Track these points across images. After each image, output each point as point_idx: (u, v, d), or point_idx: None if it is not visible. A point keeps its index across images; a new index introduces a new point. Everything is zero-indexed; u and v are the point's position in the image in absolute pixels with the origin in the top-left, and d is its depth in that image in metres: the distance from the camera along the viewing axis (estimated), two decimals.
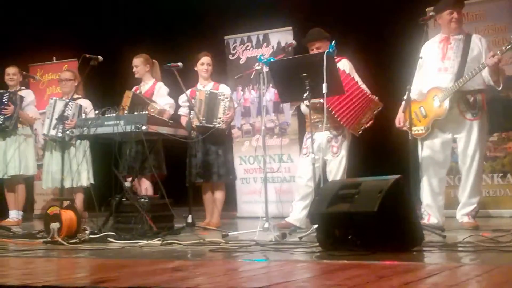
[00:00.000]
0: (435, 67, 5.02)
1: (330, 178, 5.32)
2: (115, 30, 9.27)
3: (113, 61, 6.21)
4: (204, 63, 6.21)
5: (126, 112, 5.51)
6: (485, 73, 4.88)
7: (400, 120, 5.14)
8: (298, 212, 5.38)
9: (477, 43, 5.01)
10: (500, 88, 4.97)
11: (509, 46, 4.70)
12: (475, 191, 5.06)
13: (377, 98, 5.29)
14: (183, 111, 6.14)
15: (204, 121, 5.86)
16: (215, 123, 5.86)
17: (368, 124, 5.28)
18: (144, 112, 5.25)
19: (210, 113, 5.90)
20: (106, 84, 8.01)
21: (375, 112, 5.27)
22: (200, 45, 6.96)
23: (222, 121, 5.88)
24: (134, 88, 6.36)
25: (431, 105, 5.00)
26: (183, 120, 6.01)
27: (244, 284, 2.50)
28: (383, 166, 6.33)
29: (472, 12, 6.35)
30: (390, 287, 2.19)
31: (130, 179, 5.54)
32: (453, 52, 5.02)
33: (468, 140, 4.98)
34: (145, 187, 6.11)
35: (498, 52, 4.75)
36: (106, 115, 5.22)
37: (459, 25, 5.06)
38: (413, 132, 4.89)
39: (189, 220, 5.41)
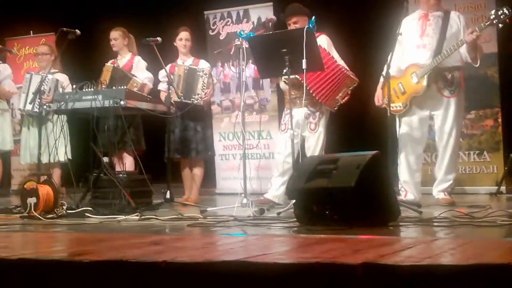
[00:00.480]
0: (414, 43, 5.03)
1: (309, 154, 5.34)
2: (93, 3, 9.14)
3: (90, 35, 6.13)
4: (182, 39, 6.16)
5: (105, 86, 5.46)
6: (463, 50, 4.90)
7: (379, 97, 5.16)
8: (276, 188, 5.40)
9: (456, 20, 5.03)
10: (477, 65, 5.01)
11: (488, 22, 4.73)
12: (451, 168, 5.12)
13: (353, 74, 5.30)
14: (162, 86, 6.10)
15: (182, 97, 5.83)
16: (193, 99, 5.83)
17: (343, 100, 5.30)
18: (122, 87, 5.20)
19: (188, 89, 5.87)
20: (83, 58, 7.92)
21: (351, 88, 5.29)
22: (180, 20, 6.89)
23: (201, 98, 5.85)
24: (111, 61, 6.30)
25: (409, 81, 5.03)
26: (163, 96, 5.97)
27: (221, 257, 2.51)
28: (361, 142, 6.36)
29: None
30: (366, 259, 2.21)
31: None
32: (431, 28, 5.04)
33: (445, 117, 5.01)
34: (128, 162, 6.08)
35: (476, 28, 4.77)
36: (84, 90, 5.17)
37: (438, 1, 5.06)
38: (391, 109, 4.91)
39: (168, 195, 5.40)
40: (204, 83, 5.87)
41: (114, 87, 5.24)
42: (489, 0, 6.14)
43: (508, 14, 4.66)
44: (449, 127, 5.01)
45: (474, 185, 6.23)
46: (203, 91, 5.87)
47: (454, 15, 5.07)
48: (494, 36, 6.11)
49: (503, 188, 5.95)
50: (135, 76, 6.00)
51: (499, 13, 4.67)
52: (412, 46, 5.05)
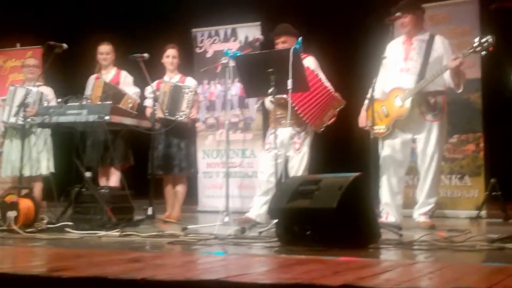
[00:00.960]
0: (398, 67, 5.09)
1: (292, 174, 5.36)
2: (80, 17, 9.16)
3: (76, 49, 6.13)
4: (169, 56, 6.19)
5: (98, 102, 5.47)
6: (447, 75, 4.96)
7: (362, 119, 5.20)
8: (258, 207, 5.41)
9: (440, 44, 5.09)
10: (460, 91, 5.08)
11: (471, 49, 4.79)
12: (433, 191, 5.15)
13: (340, 95, 5.34)
14: (148, 102, 6.11)
15: (167, 114, 5.83)
16: (177, 116, 5.84)
17: (330, 121, 5.33)
18: (107, 102, 5.20)
19: (173, 105, 5.88)
20: (67, 71, 7.91)
21: (337, 109, 5.33)
22: (167, 36, 6.93)
23: (185, 115, 5.86)
24: (94, 76, 6.31)
25: (393, 104, 5.07)
26: (148, 112, 5.98)
27: (200, 276, 2.51)
28: (345, 164, 6.40)
29: (437, 15, 6.44)
30: (345, 281, 2.22)
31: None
32: (415, 53, 5.10)
33: (427, 141, 5.06)
34: (115, 177, 6.06)
35: (460, 55, 4.83)
36: (69, 104, 5.16)
37: (410, 29, 5.10)
38: (374, 131, 4.96)
39: (149, 212, 5.38)
40: (190, 100, 5.88)
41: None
42: (474, 26, 6.21)
43: (491, 42, 4.72)
44: (431, 151, 5.05)
45: (455, 209, 6.27)
46: (188, 109, 5.88)
47: (438, 40, 5.13)
48: (478, 62, 6.18)
49: (483, 212, 5.99)
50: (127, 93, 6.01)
51: (483, 41, 4.73)
52: (396, 69, 5.11)
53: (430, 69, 4.98)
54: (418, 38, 5.13)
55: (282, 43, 5.40)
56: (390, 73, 5.11)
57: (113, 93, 5.84)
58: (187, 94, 5.90)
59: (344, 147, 7.15)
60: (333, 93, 5.32)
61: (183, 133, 6.05)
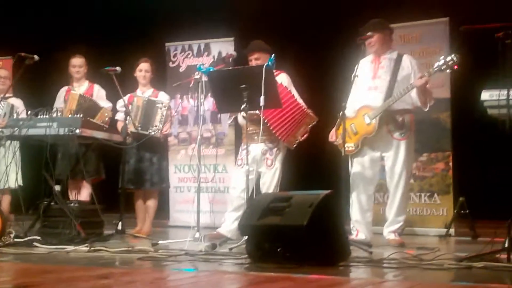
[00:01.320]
0: (366, 85, 5.15)
1: (264, 190, 5.36)
2: (53, 29, 9.09)
3: (47, 61, 6.09)
4: (142, 70, 6.18)
5: (71, 115, 5.42)
6: (414, 94, 5.03)
7: (332, 135, 5.25)
8: (230, 223, 5.39)
9: (408, 63, 5.17)
10: (426, 109, 5.16)
11: (437, 68, 4.87)
12: (402, 209, 5.20)
13: (312, 112, 5.37)
14: (119, 116, 6.08)
15: (140, 128, 5.81)
16: (150, 130, 5.82)
17: (303, 138, 5.36)
18: (78, 115, 5.16)
19: (146, 120, 5.86)
20: (37, 83, 7.84)
21: (310, 126, 5.35)
22: (140, 50, 6.91)
23: (158, 130, 5.85)
24: (65, 88, 6.27)
25: (362, 122, 5.12)
26: (120, 125, 5.95)
27: None
28: (316, 181, 6.42)
29: (409, 34, 6.53)
30: None
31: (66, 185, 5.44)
32: (383, 71, 5.17)
33: (395, 159, 5.11)
34: (86, 191, 6.00)
35: (426, 73, 4.91)
36: (39, 116, 5.11)
37: (378, 48, 5.16)
38: (344, 149, 5.01)
39: (119, 227, 5.34)
40: (163, 115, 5.87)
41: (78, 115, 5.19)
42: (444, 46, 6.31)
43: (455, 61, 4.81)
44: (399, 169, 5.11)
45: (424, 226, 6.32)
46: (161, 123, 5.86)
47: (406, 59, 5.21)
48: (448, 82, 6.28)
49: (452, 230, 6.05)
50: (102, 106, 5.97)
51: (447, 59, 4.82)
52: (364, 87, 5.16)
53: (398, 87, 5.05)
54: (386, 57, 5.21)
55: (255, 59, 5.43)
56: (359, 91, 5.16)
57: (88, 106, 5.80)
58: (161, 109, 5.89)
59: (316, 164, 7.18)
60: (305, 109, 5.35)
61: (155, 148, 6.03)
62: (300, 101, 5.40)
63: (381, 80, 5.14)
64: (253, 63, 5.41)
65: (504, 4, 6.77)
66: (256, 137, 5.22)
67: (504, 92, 3.85)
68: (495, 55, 3.85)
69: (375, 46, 5.18)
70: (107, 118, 5.77)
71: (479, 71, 5.50)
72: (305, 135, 5.37)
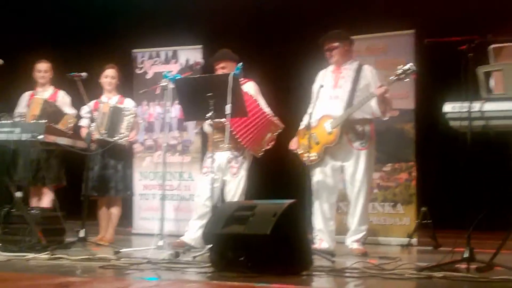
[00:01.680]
0: (327, 94, 5.18)
1: (229, 198, 5.35)
2: (17, 34, 8.97)
3: (11, 66, 6.00)
4: (108, 76, 6.13)
5: (34, 120, 5.34)
6: (374, 103, 5.10)
7: (294, 143, 5.28)
8: (194, 231, 5.37)
9: (368, 73, 5.24)
10: (386, 119, 5.23)
11: (395, 77, 4.95)
12: (364, 218, 5.24)
13: (278, 120, 5.39)
14: (84, 122, 6.01)
15: (105, 135, 5.76)
16: (116, 137, 5.77)
17: (269, 146, 5.37)
18: (42, 121, 5.09)
19: (112, 127, 5.81)
20: (0, 88, 7.72)
21: (275, 133, 5.37)
22: (107, 56, 6.86)
23: (125, 137, 5.80)
24: (29, 93, 6.18)
25: (323, 132, 5.16)
26: (83, 132, 5.88)
27: None
28: (281, 189, 6.47)
29: (374, 46, 6.61)
30: None
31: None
32: (344, 81, 5.23)
33: (355, 168, 5.16)
34: (48, 198, 5.91)
35: (385, 83, 4.98)
36: (1, 121, 5.03)
37: (338, 58, 5.23)
38: (306, 158, 5.06)
39: (82, 234, 5.26)
40: (130, 122, 5.83)
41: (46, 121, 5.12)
42: (409, 58, 6.34)
43: (413, 70, 4.92)
44: (360, 178, 5.15)
45: (388, 236, 6.38)
46: (127, 131, 5.82)
47: (366, 69, 5.27)
48: (412, 93, 6.37)
49: (414, 240, 6.12)
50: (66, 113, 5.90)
51: (405, 68, 4.92)
52: (326, 97, 5.19)
53: (358, 97, 5.12)
54: (347, 67, 5.27)
55: (221, 68, 5.44)
56: (320, 101, 5.19)
57: (52, 111, 5.73)
58: (127, 116, 5.84)
59: (281, 173, 7.21)
60: (270, 117, 5.36)
61: (120, 155, 5.98)
62: (267, 109, 5.42)
63: (342, 90, 5.19)
64: (219, 72, 5.41)
65: (468, 18, 6.92)
66: (221, 145, 5.21)
67: (466, 104, 3.91)
68: (459, 67, 3.92)
69: (336, 56, 5.23)
70: (70, 125, 5.70)
71: (443, 83, 5.59)
72: (272, 143, 5.39)
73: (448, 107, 4.01)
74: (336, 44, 5.23)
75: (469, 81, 3.91)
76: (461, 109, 3.93)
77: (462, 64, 3.89)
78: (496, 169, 4.16)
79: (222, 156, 5.35)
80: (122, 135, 5.78)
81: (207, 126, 5.47)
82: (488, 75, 3.92)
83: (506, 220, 4.27)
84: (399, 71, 4.93)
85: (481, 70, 3.92)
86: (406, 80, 5.03)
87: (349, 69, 5.25)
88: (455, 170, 3.97)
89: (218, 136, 5.25)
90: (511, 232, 4.11)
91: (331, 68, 5.34)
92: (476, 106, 3.91)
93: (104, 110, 5.86)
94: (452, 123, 4.06)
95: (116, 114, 5.84)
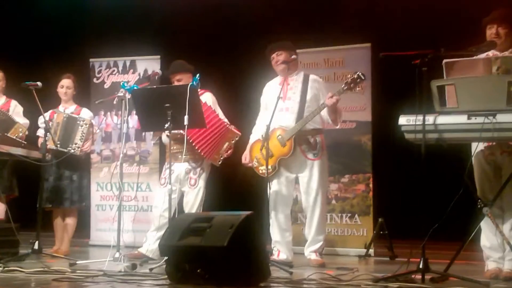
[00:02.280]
0: (278, 107, 5.16)
1: (187, 210, 5.34)
2: None
3: None
4: (64, 86, 6.06)
5: None
6: (324, 112, 5.15)
7: (246, 156, 5.30)
8: (151, 243, 5.32)
9: (315, 84, 5.30)
10: (337, 127, 5.29)
11: (345, 87, 5.02)
12: (321, 228, 5.27)
13: (235, 128, 5.41)
14: (41, 132, 5.92)
15: (59, 145, 5.67)
16: (70, 148, 5.69)
17: (227, 154, 5.38)
18: None
19: (66, 137, 5.73)
20: None
21: (233, 141, 5.38)
22: (64, 66, 6.78)
23: (78, 147, 5.72)
24: None
25: (276, 144, 5.18)
26: (40, 142, 5.78)
27: None
28: (240, 201, 6.46)
29: (332, 59, 6.68)
30: None
31: None
32: (292, 92, 5.27)
33: (310, 179, 5.20)
34: (0, 209, 5.78)
35: (336, 92, 5.04)
36: None
37: (284, 67, 5.21)
38: (261, 171, 5.08)
39: (36, 246, 5.17)
40: (84, 133, 5.75)
41: None
42: (366, 71, 6.32)
43: (362, 78, 5.00)
44: (315, 189, 5.19)
45: (345, 246, 6.43)
46: (81, 141, 5.74)
47: (312, 79, 5.33)
48: (369, 105, 6.45)
49: (371, 251, 6.19)
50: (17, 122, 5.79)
51: (355, 77, 4.99)
52: (276, 109, 5.19)
53: (308, 107, 5.16)
54: (294, 78, 5.32)
55: (177, 81, 5.45)
56: (270, 113, 5.18)
57: (2, 120, 5.61)
58: (82, 126, 5.77)
59: (240, 185, 7.18)
60: (227, 125, 5.37)
61: (75, 165, 5.89)
62: (223, 118, 5.43)
63: (291, 101, 5.23)
64: (176, 84, 5.41)
65: (423, 32, 7.05)
66: (180, 156, 5.19)
67: (420, 117, 3.99)
68: (414, 81, 3.99)
69: (282, 65, 5.24)
70: (21, 134, 5.58)
71: (399, 96, 5.66)
72: (230, 151, 5.40)
73: (403, 120, 4.09)
74: (282, 52, 5.27)
75: (423, 95, 3.99)
76: (415, 122, 4.01)
77: (417, 78, 3.97)
78: (450, 180, 4.23)
79: (181, 167, 5.33)
80: (75, 145, 5.70)
81: (164, 137, 5.45)
82: (441, 89, 4.00)
83: (461, 230, 4.36)
84: (349, 80, 5.01)
85: (434, 84, 4.00)
86: (357, 89, 5.10)
87: (295, 80, 5.30)
88: (411, 182, 4.02)
89: (176, 147, 5.23)
90: (465, 242, 4.20)
91: (277, 80, 5.38)
92: (430, 119, 4.00)
93: (58, 120, 5.78)
94: (407, 136, 4.13)
95: (70, 124, 5.76)
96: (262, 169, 5.13)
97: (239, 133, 5.40)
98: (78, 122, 5.79)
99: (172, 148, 5.23)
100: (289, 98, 5.25)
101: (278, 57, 5.28)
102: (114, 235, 5.19)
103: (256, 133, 5.34)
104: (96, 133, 6.24)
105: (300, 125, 5.11)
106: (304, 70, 5.64)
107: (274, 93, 5.21)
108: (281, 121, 5.18)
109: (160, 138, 5.69)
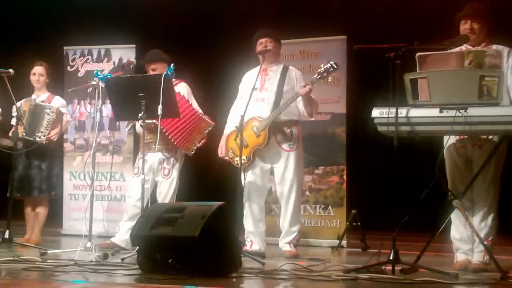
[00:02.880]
0: (254, 97, 5.16)
1: (160, 200, 5.33)
2: None
3: None
4: (36, 73, 5.98)
5: None
6: (300, 105, 5.16)
7: (222, 149, 5.29)
8: (124, 233, 5.29)
9: (293, 75, 5.30)
10: (312, 119, 5.30)
11: (318, 75, 5.03)
12: (295, 220, 5.29)
13: (208, 118, 5.40)
14: (14, 121, 5.84)
15: (24, 134, 5.60)
16: (35, 136, 5.62)
17: (200, 143, 5.38)
18: None
19: (33, 125, 5.65)
20: None
21: (206, 130, 5.39)
22: (38, 53, 6.70)
23: (44, 136, 5.66)
24: None
25: (251, 135, 5.17)
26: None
27: None
28: (215, 191, 6.45)
29: (308, 51, 6.68)
30: None
31: None
32: (270, 83, 5.27)
33: (285, 170, 5.20)
34: None
35: (309, 82, 5.05)
36: None
37: (269, 55, 5.20)
38: (236, 162, 5.07)
39: (6, 235, 5.12)
40: (50, 121, 5.68)
41: None
42: (341, 63, 6.35)
43: (335, 67, 5.01)
44: (290, 180, 5.19)
45: (319, 238, 6.46)
46: (47, 129, 5.67)
47: (292, 70, 5.33)
48: (344, 97, 6.47)
49: (344, 242, 6.23)
50: None
51: (327, 66, 5.00)
52: (252, 99, 5.16)
53: (284, 99, 5.16)
54: (274, 68, 5.31)
55: (152, 70, 5.42)
56: (246, 104, 5.18)
57: None
58: (48, 114, 5.69)
59: (214, 175, 7.16)
60: (201, 115, 5.37)
61: (44, 154, 5.81)
62: (196, 108, 5.42)
63: (268, 92, 5.23)
64: (151, 73, 5.38)
65: (398, 25, 7.09)
66: (153, 146, 5.17)
67: (393, 110, 4.01)
68: (387, 73, 4.00)
69: (268, 51, 5.22)
70: None
71: (374, 88, 5.68)
72: (203, 141, 5.40)
73: (376, 112, 4.11)
74: (272, 41, 5.26)
75: (396, 88, 4.01)
76: (388, 114, 4.03)
77: (390, 70, 3.98)
78: (422, 173, 4.27)
79: (154, 157, 5.32)
80: (41, 133, 5.64)
81: (138, 126, 5.42)
82: (414, 82, 4.03)
83: (432, 222, 4.41)
84: (321, 69, 5.01)
85: (407, 77, 4.03)
86: (329, 78, 5.11)
87: (275, 71, 5.29)
88: (384, 174, 4.05)
89: (149, 137, 5.21)
90: (435, 234, 4.25)
91: (256, 70, 5.37)
92: (403, 112, 4.03)
93: (25, 107, 5.72)
94: (380, 128, 4.16)
95: (36, 112, 5.69)
96: (237, 160, 5.12)
97: (213, 123, 5.40)
98: (46, 110, 5.71)
99: (145, 138, 5.20)
100: (266, 89, 5.24)
101: (267, 43, 5.25)
102: (86, 225, 5.16)
103: (231, 124, 5.32)
104: (68, 121, 6.17)
105: (274, 115, 5.11)
106: (298, 63, 5.63)
107: (252, 82, 5.21)
108: (257, 111, 5.17)
109: (134, 126, 5.66)
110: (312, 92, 5.12)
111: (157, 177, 5.37)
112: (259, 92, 5.19)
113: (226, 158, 5.25)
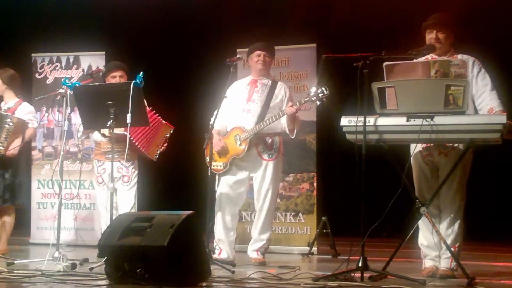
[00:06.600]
0: (240, 107, 5.22)
1: (120, 206, 5.41)
2: None
3: None
4: None
5: None
6: (284, 119, 5.18)
7: (217, 144, 5.29)
8: None
9: (281, 91, 5.33)
10: (293, 137, 5.32)
11: (307, 99, 5.03)
12: (266, 228, 5.30)
13: (167, 122, 5.47)
14: None
15: None
16: None
17: (162, 148, 5.47)
18: None
19: None
20: None
21: (167, 135, 5.49)
22: (6, 60, 6.60)
23: (2, 146, 5.58)
24: None
25: (232, 143, 5.20)
26: None
27: None
28: (183, 199, 6.44)
29: (278, 58, 6.69)
30: None
31: None
32: (258, 95, 5.29)
33: (263, 179, 5.22)
34: None
35: (297, 103, 5.07)
36: None
37: (265, 67, 5.31)
38: (212, 167, 5.06)
39: None
40: (9, 131, 5.60)
41: None
42: (311, 71, 6.54)
43: (325, 94, 4.95)
44: (266, 188, 5.21)
45: (289, 245, 6.48)
46: (6, 140, 5.59)
47: (280, 86, 5.36)
48: (314, 105, 6.48)
49: (315, 249, 6.25)
50: None
51: (318, 91, 4.95)
52: (238, 109, 5.24)
53: (270, 113, 5.18)
54: (263, 81, 5.34)
55: (120, 77, 5.43)
56: (233, 112, 5.23)
57: None
58: (8, 124, 5.61)
59: (183, 183, 7.18)
60: (161, 120, 5.45)
61: (7, 163, 5.71)
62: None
63: (255, 104, 5.26)
64: (117, 80, 5.39)
65: (367, 34, 7.17)
66: (115, 155, 5.14)
67: (361, 118, 4.05)
68: (356, 82, 4.04)
69: (264, 64, 5.27)
70: None
71: (343, 96, 5.74)
72: (165, 145, 5.50)
73: (344, 121, 4.14)
74: (268, 55, 5.32)
75: (364, 96, 4.04)
76: (356, 123, 4.07)
77: (358, 79, 4.02)
78: (390, 180, 4.31)
79: (113, 165, 5.29)
80: (0, 144, 5.56)
81: (96, 134, 5.43)
82: (382, 90, 4.07)
83: (400, 229, 4.45)
84: (312, 93, 4.98)
85: (375, 86, 4.07)
86: (318, 103, 5.07)
87: (264, 84, 5.33)
88: (353, 181, 4.07)
89: (108, 146, 5.27)
90: (403, 241, 4.29)
91: (246, 80, 5.39)
92: (371, 120, 4.07)
93: None
94: (349, 136, 4.20)
95: None
96: (214, 165, 5.12)
97: (172, 127, 5.52)
98: (6, 119, 5.63)
99: (104, 146, 5.24)
100: (253, 100, 5.27)
101: (264, 58, 5.28)
102: (55, 234, 5.09)
103: (219, 122, 5.22)
104: (35, 128, 6.07)
105: (257, 129, 5.14)
106: (271, 71, 5.63)
107: (240, 92, 5.23)
108: (241, 121, 5.20)
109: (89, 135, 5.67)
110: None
111: (116, 184, 5.35)
112: (245, 103, 5.24)
113: (207, 160, 5.22)
